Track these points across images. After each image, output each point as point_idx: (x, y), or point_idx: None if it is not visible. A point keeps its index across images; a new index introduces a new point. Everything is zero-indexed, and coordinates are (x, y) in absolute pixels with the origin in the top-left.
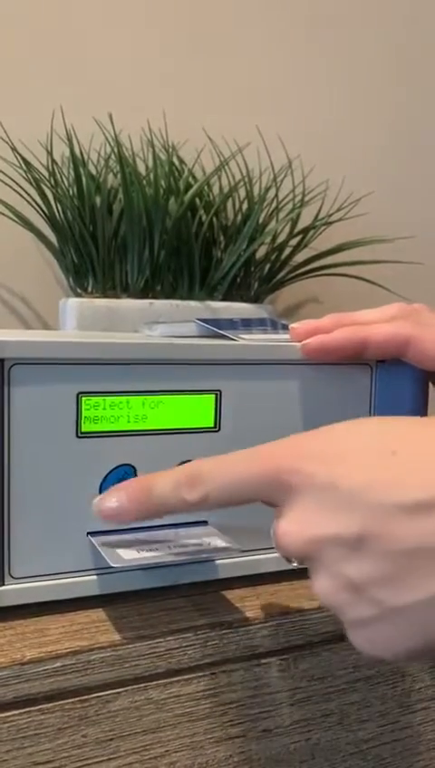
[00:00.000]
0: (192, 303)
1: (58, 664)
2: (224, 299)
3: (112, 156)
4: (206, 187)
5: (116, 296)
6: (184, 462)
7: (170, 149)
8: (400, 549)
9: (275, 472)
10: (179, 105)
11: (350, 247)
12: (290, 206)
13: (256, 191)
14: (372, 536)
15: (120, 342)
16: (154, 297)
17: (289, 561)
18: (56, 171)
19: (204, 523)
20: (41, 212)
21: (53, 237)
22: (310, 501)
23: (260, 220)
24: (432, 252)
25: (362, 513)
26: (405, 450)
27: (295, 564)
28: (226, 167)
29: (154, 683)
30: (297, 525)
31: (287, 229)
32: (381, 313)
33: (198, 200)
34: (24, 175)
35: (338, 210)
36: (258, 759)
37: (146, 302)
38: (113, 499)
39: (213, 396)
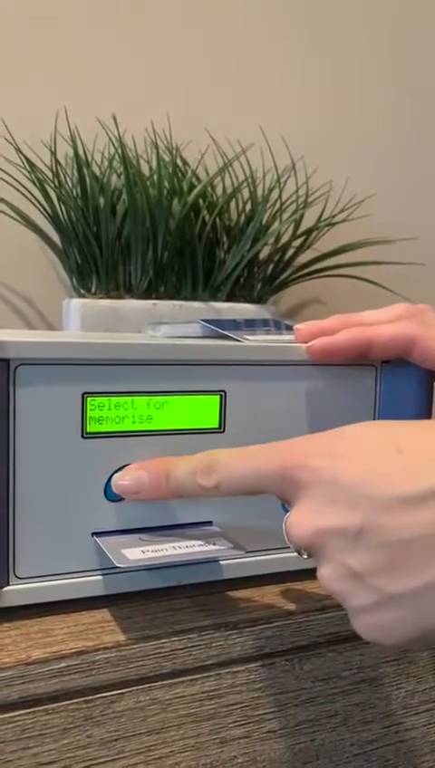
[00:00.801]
0: (195, 304)
1: (63, 664)
2: (227, 300)
3: (116, 157)
4: (209, 188)
5: (119, 297)
6: None
7: (174, 150)
8: (397, 539)
9: (285, 468)
10: (183, 106)
11: (353, 248)
12: (293, 207)
13: (259, 192)
14: (371, 528)
15: (126, 343)
16: (157, 298)
17: (300, 553)
18: (60, 172)
19: (209, 523)
20: (44, 212)
21: (56, 238)
22: (316, 495)
23: (263, 221)
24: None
25: (364, 507)
26: (411, 449)
27: (306, 556)
28: (229, 168)
29: (159, 683)
30: (304, 518)
31: (290, 230)
32: (385, 314)
33: (201, 201)
34: (27, 175)
35: (341, 211)
36: (262, 760)
37: (149, 302)
38: (134, 477)
39: (218, 397)
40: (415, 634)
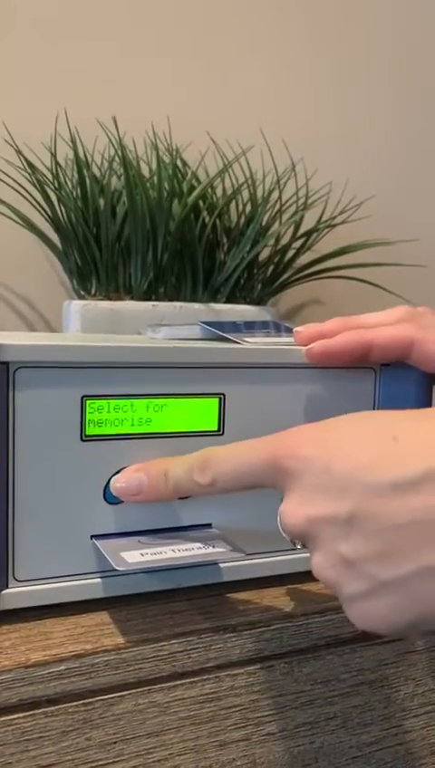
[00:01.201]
0: (195, 305)
1: (62, 667)
2: (227, 301)
3: (116, 158)
4: (209, 190)
5: (119, 298)
6: None
7: (174, 152)
8: (389, 525)
9: (277, 458)
10: (183, 108)
11: (352, 250)
12: (293, 208)
13: (259, 194)
14: (363, 515)
15: (126, 346)
16: (157, 299)
17: (294, 543)
18: (60, 174)
19: (208, 526)
20: (45, 214)
21: (56, 239)
22: (308, 484)
23: (263, 222)
24: None
25: (355, 494)
26: (406, 437)
27: (300, 546)
28: (229, 169)
29: (158, 686)
30: (296, 507)
31: (290, 232)
32: (385, 316)
33: (201, 202)
34: (28, 177)
35: (341, 213)
36: (262, 762)
37: (149, 304)
38: (133, 478)
39: (217, 399)
40: (408, 620)
